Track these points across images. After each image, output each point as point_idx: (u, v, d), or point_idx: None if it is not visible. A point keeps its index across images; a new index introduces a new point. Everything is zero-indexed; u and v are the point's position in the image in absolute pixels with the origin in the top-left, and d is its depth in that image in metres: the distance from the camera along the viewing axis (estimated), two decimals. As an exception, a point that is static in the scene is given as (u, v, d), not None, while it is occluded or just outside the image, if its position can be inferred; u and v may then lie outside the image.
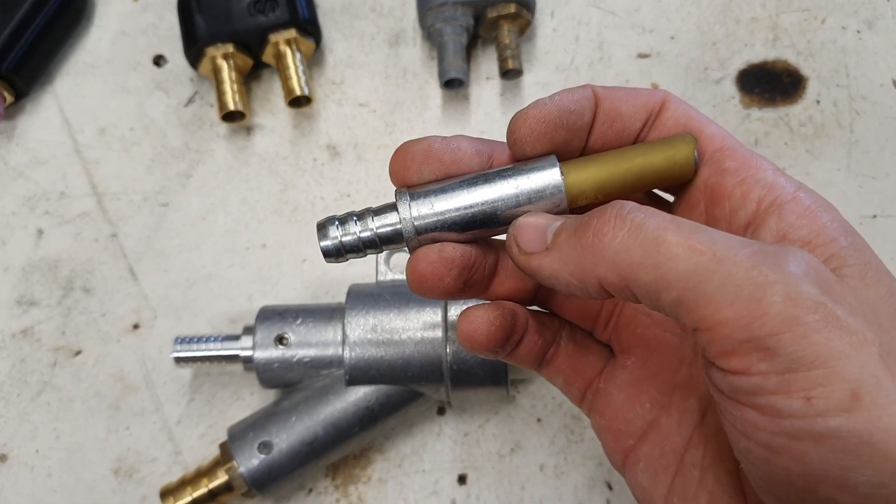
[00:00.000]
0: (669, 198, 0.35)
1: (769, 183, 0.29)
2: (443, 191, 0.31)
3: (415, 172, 0.31)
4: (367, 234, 0.31)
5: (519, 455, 0.49)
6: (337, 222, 0.32)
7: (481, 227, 0.31)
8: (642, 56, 0.58)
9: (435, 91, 0.57)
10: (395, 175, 0.32)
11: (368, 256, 0.33)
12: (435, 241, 0.31)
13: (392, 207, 0.31)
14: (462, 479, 0.48)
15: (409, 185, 0.31)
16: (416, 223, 0.31)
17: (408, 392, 0.46)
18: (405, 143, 0.32)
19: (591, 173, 0.31)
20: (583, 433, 0.49)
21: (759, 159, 0.31)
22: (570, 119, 0.31)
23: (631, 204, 0.27)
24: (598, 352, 0.36)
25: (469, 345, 0.32)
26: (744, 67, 0.57)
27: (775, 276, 0.24)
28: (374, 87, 0.57)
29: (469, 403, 0.48)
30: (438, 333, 0.45)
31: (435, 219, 0.31)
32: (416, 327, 0.45)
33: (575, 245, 0.28)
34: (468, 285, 0.32)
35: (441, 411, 0.50)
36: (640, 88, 0.33)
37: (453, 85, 0.54)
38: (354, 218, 0.32)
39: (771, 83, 0.57)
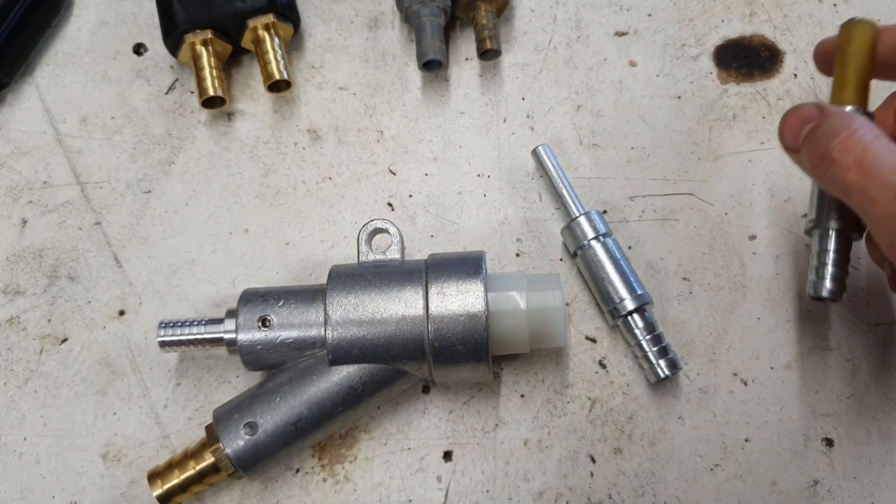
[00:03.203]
0: None
1: None
2: None
3: None
4: None
5: (503, 430, 0.49)
6: None
7: None
8: (620, 34, 0.58)
9: (414, 73, 0.57)
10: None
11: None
12: None
13: None
14: (447, 456, 0.49)
15: None
16: None
17: (391, 370, 0.46)
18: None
19: None
20: (565, 408, 0.50)
21: None
22: None
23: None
24: None
25: None
26: (721, 43, 0.57)
27: None
28: (354, 71, 0.57)
29: (452, 380, 0.49)
30: (420, 311, 0.45)
31: None
32: (398, 306, 0.45)
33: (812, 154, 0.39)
34: None
35: (426, 389, 0.50)
36: None
37: (432, 66, 0.55)
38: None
39: (748, 58, 0.57)
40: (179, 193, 0.55)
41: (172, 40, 0.55)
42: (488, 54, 0.55)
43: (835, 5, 0.58)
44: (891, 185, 0.36)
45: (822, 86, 0.56)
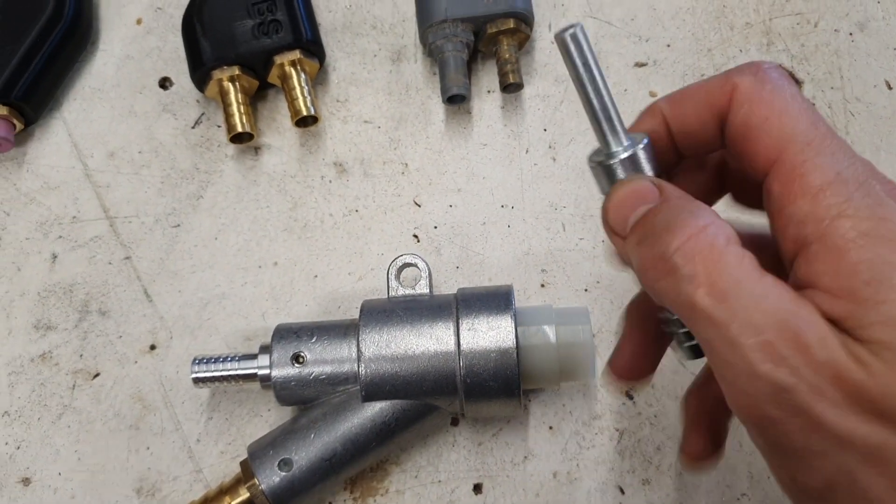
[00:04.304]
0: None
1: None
2: None
3: None
4: None
5: (532, 462, 0.50)
6: None
7: None
8: (639, 65, 0.59)
9: (437, 106, 0.58)
10: None
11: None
12: None
13: None
14: (478, 489, 0.50)
15: None
16: None
17: (423, 406, 0.47)
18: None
19: None
20: (594, 439, 0.50)
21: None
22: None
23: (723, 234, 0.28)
24: None
25: None
26: (740, 73, 0.58)
27: None
28: (378, 104, 0.58)
29: (483, 415, 0.49)
30: (451, 347, 0.46)
31: None
32: (429, 342, 0.46)
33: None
34: None
35: (455, 422, 0.51)
36: (713, 79, 0.32)
37: (456, 100, 0.55)
38: None
39: (767, 88, 0.58)
40: (208, 227, 0.56)
41: (199, 76, 0.55)
42: (511, 88, 0.56)
43: (850, 34, 0.59)
44: (756, 326, 0.26)
45: (839, 115, 0.57)
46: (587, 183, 0.56)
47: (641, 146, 0.32)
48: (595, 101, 0.32)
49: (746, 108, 0.30)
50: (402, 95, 0.58)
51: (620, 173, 0.33)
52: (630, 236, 0.30)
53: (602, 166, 0.33)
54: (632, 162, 0.32)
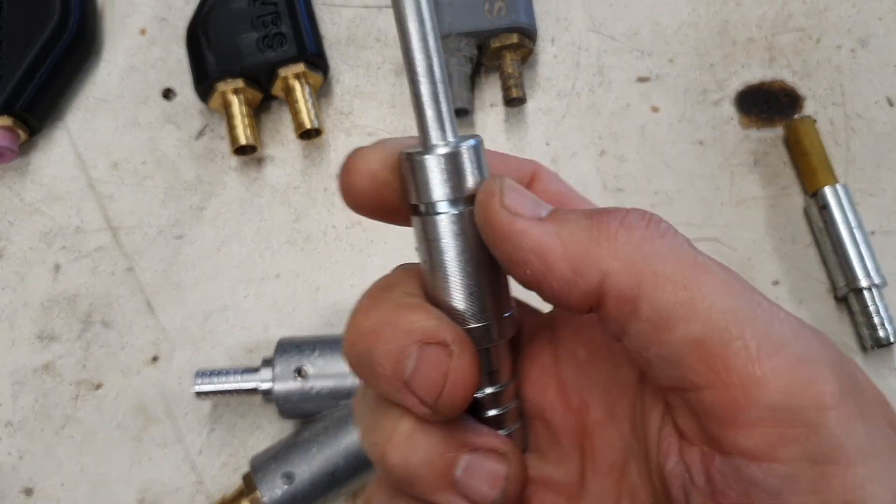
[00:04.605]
0: None
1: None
2: None
3: None
4: None
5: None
6: None
7: None
8: (642, 79, 0.59)
9: (440, 119, 0.58)
10: None
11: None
12: None
13: None
14: (479, 502, 0.50)
15: None
16: None
17: (425, 420, 0.47)
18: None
19: None
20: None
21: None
22: None
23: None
24: None
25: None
26: (742, 88, 0.58)
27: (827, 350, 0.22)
28: (382, 117, 0.58)
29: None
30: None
31: None
32: (432, 357, 0.46)
33: (588, 227, 0.23)
34: None
35: (456, 435, 0.51)
36: (512, 158, 0.29)
37: (459, 114, 0.56)
38: None
39: (768, 103, 0.58)
40: (211, 239, 0.56)
41: (204, 88, 0.55)
42: (514, 102, 0.56)
43: (853, 51, 0.59)
44: None
45: (840, 131, 0.57)
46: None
47: (469, 144, 0.25)
48: (422, 73, 0.25)
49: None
50: (406, 108, 0.58)
51: (435, 173, 0.25)
52: (555, 214, 0.25)
53: (411, 161, 0.25)
54: (453, 162, 0.25)
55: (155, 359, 0.53)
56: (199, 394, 0.49)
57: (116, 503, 0.51)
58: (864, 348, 0.52)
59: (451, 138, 0.25)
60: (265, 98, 0.57)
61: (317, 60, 0.56)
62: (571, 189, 0.29)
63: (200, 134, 0.58)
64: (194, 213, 0.56)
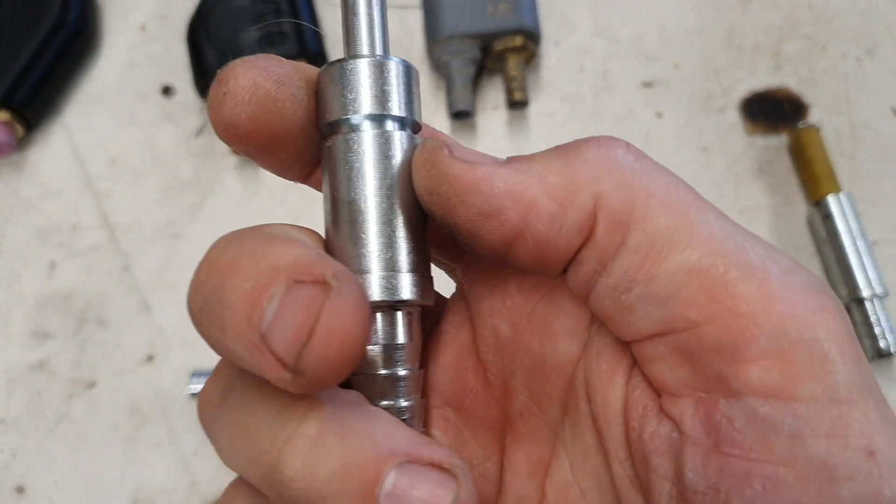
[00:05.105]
0: None
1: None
2: None
3: None
4: None
5: None
6: None
7: None
8: (646, 85, 0.58)
9: (443, 120, 0.58)
10: None
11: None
12: None
13: None
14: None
15: None
16: None
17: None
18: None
19: None
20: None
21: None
22: None
23: None
24: None
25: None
26: (747, 95, 0.58)
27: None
28: (383, 118, 0.58)
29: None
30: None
31: None
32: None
33: (562, 155, 0.21)
34: None
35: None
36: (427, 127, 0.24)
37: (461, 116, 0.55)
38: None
39: (774, 111, 0.58)
40: (208, 238, 0.55)
41: (204, 85, 0.55)
42: (517, 105, 0.55)
43: (859, 60, 0.59)
44: None
45: (845, 140, 0.57)
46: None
47: (398, 61, 0.23)
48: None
49: None
50: (407, 109, 0.58)
51: (366, 82, 0.22)
52: (516, 159, 0.22)
53: (340, 68, 0.22)
54: (385, 73, 0.22)
55: (150, 358, 0.53)
56: (194, 395, 0.48)
57: (109, 503, 0.50)
58: (865, 360, 0.52)
59: (379, 51, 0.23)
60: (265, 97, 0.57)
61: (318, 59, 0.55)
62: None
63: (199, 132, 0.58)
64: (192, 212, 0.56)
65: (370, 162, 0.22)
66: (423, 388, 0.24)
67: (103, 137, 0.58)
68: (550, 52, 0.59)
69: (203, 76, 0.54)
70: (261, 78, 0.21)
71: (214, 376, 0.22)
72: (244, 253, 0.19)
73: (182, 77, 0.59)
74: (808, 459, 0.18)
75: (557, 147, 0.21)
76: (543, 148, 0.22)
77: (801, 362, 0.18)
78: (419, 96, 0.23)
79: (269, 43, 0.54)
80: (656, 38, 0.59)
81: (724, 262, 0.19)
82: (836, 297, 0.20)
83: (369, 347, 0.22)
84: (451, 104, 0.54)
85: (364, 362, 0.22)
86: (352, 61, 0.22)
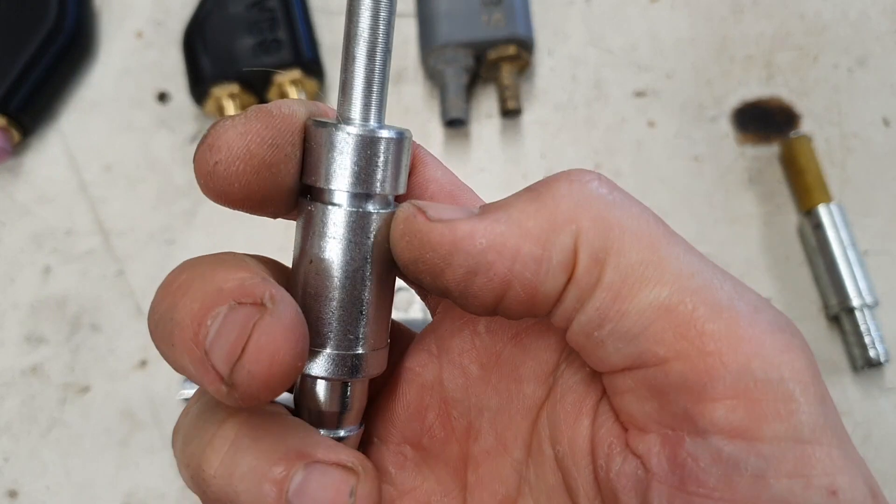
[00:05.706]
0: None
1: None
2: None
3: None
4: None
5: None
6: None
7: None
8: (639, 94, 0.59)
9: (437, 128, 0.58)
10: None
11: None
12: None
13: None
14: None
15: None
16: None
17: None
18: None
19: None
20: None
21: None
22: None
23: None
24: None
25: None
26: (738, 105, 0.58)
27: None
28: (377, 125, 0.58)
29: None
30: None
31: None
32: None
33: (536, 198, 0.21)
34: None
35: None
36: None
37: (455, 124, 0.56)
38: None
39: (765, 120, 0.58)
40: (202, 245, 0.56)
41: (199, 92, 0.55)
42: (510, 114, 0.56)
43: (850, 70, 0.59)
44: None
45: (836, 150, 0.57)
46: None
47: (388, 136, 0.22)
48: (364, 42, 0.22)
49: None
50: (402, 117, 0.58)
51: (351, 156, 0.21)
52: (489, 207, 0.22)
53: (324, 134, 0.22)
54: (366, 148, 0.22)
55: (143, 363, 0.53)
56: (186, 400, 0.48)
57: (101, 508, 0.50)
58: (854, 368, 0.52)
59: (374, 120, 0.22)
60: (260, 103, 0.57)
61: (313, 67, 0.56)
62: (455, 176, 0.25)
63: (194, 138, 0.58)
64: (186, 218, 0.56)
65: (344, 240, 0.22)
66: (376, 424, 0.25)
67: (99, 143, 0.58)
68: (544, 62, 0.60)
69: (199, 83, 0.55)
70: (254, 145, 0.21)
71: (195, 393, 0.24)
72: (195, 276, 0.21)
73: (178, 84, 0.59)
74: (770, 499, 0.19)
75: (529, 189, 0.22)
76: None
77: (765, 402, 0.19)
78: (408, 165, 0.23)
79: (264, 51, 0.55)
80: (649, 47, 0.60)
81: (693, 299, 0.20)
82: (801, 336, 0.20)
83: (309, 408, 0.23)
84: (444, 112, 0.55)
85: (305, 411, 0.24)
86: (342, 133, 0.22)
